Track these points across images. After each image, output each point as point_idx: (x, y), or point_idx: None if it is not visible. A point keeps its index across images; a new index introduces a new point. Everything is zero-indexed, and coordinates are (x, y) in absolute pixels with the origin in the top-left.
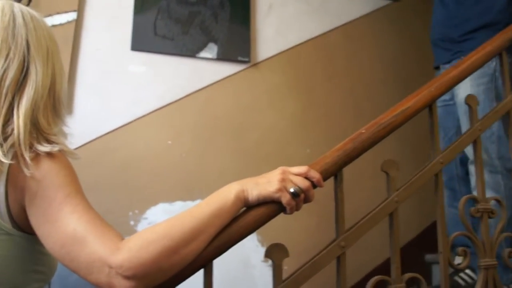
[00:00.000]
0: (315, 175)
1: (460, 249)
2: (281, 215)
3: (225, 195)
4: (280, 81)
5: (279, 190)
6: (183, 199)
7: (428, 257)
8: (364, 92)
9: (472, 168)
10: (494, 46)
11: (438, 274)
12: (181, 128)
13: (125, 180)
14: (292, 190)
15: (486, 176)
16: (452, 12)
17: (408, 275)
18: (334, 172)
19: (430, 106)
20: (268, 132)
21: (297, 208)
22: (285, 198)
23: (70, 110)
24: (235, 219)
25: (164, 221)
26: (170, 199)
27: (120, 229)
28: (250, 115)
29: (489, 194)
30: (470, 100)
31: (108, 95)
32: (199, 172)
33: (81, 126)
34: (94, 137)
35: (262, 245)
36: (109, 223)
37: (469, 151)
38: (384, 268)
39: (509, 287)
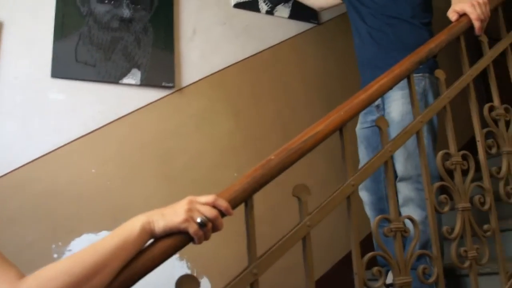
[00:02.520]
0: (223, 203)
1: (374, 269)
2: (213, 241)
3: (130, 228)
4: (206, 106)
5: (186, 220)
6: (108, 228)
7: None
8: (291, 114)
9: (399, 186)
10: (402, 69)
11: None
12: (105, 155)
13: (48, 211)
14: (199, 220)
15: (413, 193)
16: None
17: None
18: (243, 199)
19: (340, 129)
20: (196, 157)
21: (205, 237)
22: (192, 228)
23: None
24: (141, 251)
25: (66, 257)
26: (95, 229)
27: (44, 263)
28: (177, 141)
29: (415, 211)
30: (379, 122)
31: (28, 124)
32: (125, 200)
33: (0, 156)
34: (14, 167)
35: (193, 272)
36: (29, 257)
37: (398, 168)
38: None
39: None
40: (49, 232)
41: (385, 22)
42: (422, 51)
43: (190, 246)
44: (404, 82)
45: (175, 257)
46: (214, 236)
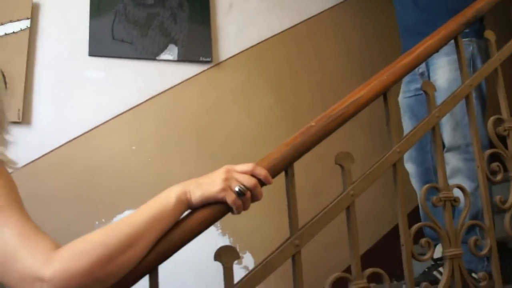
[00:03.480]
0: (262, 172)
1: (423, 240)
2: (255, 216)
3: (166, 198)
4: (245, 80)
5: (223, 189)
6: None
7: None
8: (331, 86)
9: (447, 156)
10: (448, 31)
11: (417, 267)
12: (145, 132)
13: (90, 189)
14: (237, 189)
15: (461, 164)
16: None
17: (369, 271)
18: (283, 168)
19: (384, 94)
20: (235, 132)
21: (244, 207)
22: (230, 198)
23: (28, 120)
24: (178, 223)
25: (100, 229)
26: (137, 205)
27: None
28: (216, 116)
29: (464, 183)
30: (426, 87)
31: (68, 103)
32: (166, 176)
33: (41, 136)
34: (55, 146)
35: (235, 246)
36: (72, 235)
37: (445, 138)
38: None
39: (477, 274)
40: (91, 209)
41: None
42: (469, 11)
43: (233, 221)
44: (450, 48)
45: (218, 232)
46: (256, 210)
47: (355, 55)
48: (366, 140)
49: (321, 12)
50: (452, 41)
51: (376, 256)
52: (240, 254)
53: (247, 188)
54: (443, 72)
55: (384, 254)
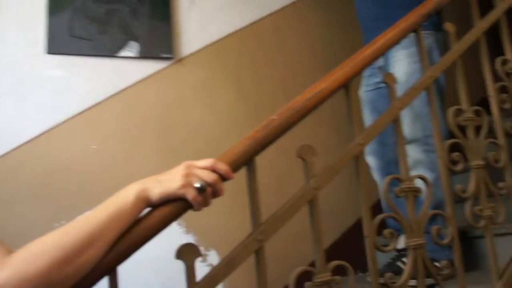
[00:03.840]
0: (222, 167)
1: (386, 231)
2: (220, 213)
3: (124, 196)
4: (207, 76)
5: (183, 186)
6: None
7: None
8: (294, 81)
9: (407, 149)
10: (409, 23)
11: (381, 258)
12: (105, 131)
13: (49, 190)
14: (197, 185)
15: (421, 155)
16: None
17: (333, 263)
18: (244, 162)
19: (346, 86)
20: (198, 129)
21: (205, 203)
22: (190, 194)
23: None
24: (138, 220)
25: (56, 230)
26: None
27: None
28: (178, 113)
29: (425, 173)
30: (387, 78)
31: (25, 102)
32: (127, 175)
33: None
34: (12, 147)
35: (200, 245)
36: (31, 237)
37: (405, 130)
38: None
39: (439, 263)
40: (51, 211)
41: None
42: (430, 3)
43: (197, 219)
44: (407, 41)
45: (181, 230)
46: (220, 207)
47: (319, 50)
48: (329, 133)
49: (284, 7)
50: (410, 34)
51: (341, 249)
52: (205, 252)
53: (208, 184)
54: (401, 65)
55: (349, 247)
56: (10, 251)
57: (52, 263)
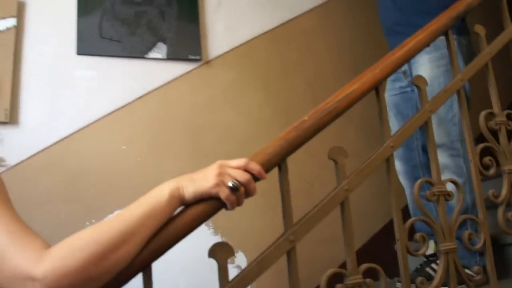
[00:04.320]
0: (255, 167)
1: (418, 235)
2: (248, 214)
3: (158, 195)
4: (235, 78)
5: (217, 185)
6: None
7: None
8: (322, 83)
9: None
10: (439, 25)
11: (411, 263)
12: (135, 131)
13: (80, 189)
14: (230, 184)
15: (448, 160)
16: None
17: (364, 266)
18: (277, 163)
19: (376, 88)
20: (226, 130)
21: (238, 203)
22: (224, 193)
23: (16, 121)
24: (171, 219)
25: (92, 226)
26: (127, 205)
27: None
28: (206, 114)
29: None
30: (417, 81)
31: (56, 103)
32: (157, 175)
33: (29, 137)
34: (43, 146)
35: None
36: (63, 236)
37: None
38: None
39: (470, 269)
40: (82, 209)
41: None
42: (460, 5)
43: (225, 220)
44: (431, 46)
45: (210, 231)
46: (248, 209)
47: (347, 52)
48: (357, 136)
49: (312, 9)
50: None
51: (369, 253)
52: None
53: (241, 183)
54: (425, 70)
55: (377, 251)
56: (47, 245)
57: (90, 258)
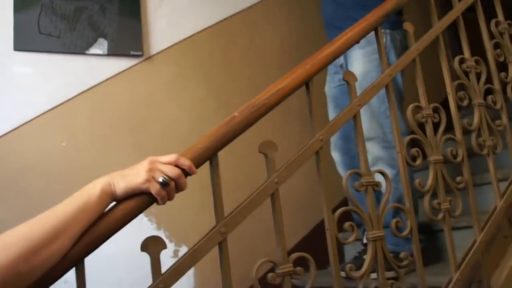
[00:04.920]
0: (185, 162)
1: (346, 224)
2: (190, 209)
3: (90, 190)
4: (178, 73)
5: (147, 180)
6: None
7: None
8: (265, 79)
9: (367, 145)
10: (369, 22)
11: (349, 253)
12: (75, 128)
13: (20, 188)
14: (160, 179)
15: (381, 152)
16: None
17: (295, 255)
18: (207, 158)
19: (307, 84)
20: (169, 125)
21: (169, 197)
22: (154, 189)
23: None
24: (103, 214)
25: (25, 223)
26: None
27: None
28: (148, 110)
29: (386, 170)
30: (347, 77)
31: None
32: (99, 171)
33: None
34: None
35: (171, 241)
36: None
37: (364, 128)
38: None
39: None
40: (22, 207)
41: None
42: (390, 3)
43: (167, 215)
44: (364, 41)
45: (153, 226)
46: (190, 203)
47: (289, 46)
48: (298, 129)
49: (254, 4)
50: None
51: (310, 244)
52: (176, 248)
53: (171, 179)
54: (358, 64)
55: (317, 242)
56: None
57: (20, 254)
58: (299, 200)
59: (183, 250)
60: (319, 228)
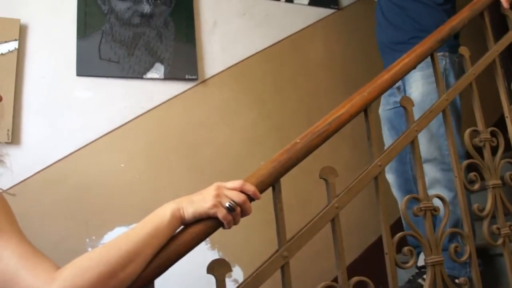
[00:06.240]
0: (250, 188)
1: (405, 248)
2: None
3: (161, 215)
4: (230, 96)
5: (214, 206)
6: (140, 221)
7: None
8: (314, 101)
9: (425, 167)
10: (425, 48)
11: (401, 275)
12: (133, 150)
13: (80, 206)
14: (227, 205)
15: (438, 174)
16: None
17: (355, 279)
18: (270, 183)
19: (365, 110)
20: (221, 148)
21: (235, 222)
22: (221, 213)
23: (18, 141)
24: (172, 238)
25: (99, 247)
26: (127, 222)
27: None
28: (202, 132)
29: (443, 193)
30: (404, 102)
31: (56, 123)
32: (155, 193)
33: (31, 156)
34: (45, 165)
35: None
36: (63, 252)
37: (421, 150)
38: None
39: (458, 279)
40: (82, 226)
41: (397, 4)
42: (444, 29)
43: (221, 236)
44: (423, 63)
45: (207, 247)
46: (244, 225)
47: (338, 70)
48: (350, 153)
49: (304, 28)
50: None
51: (363, 266)
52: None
53: (237, 204)
54: (417, 86)
55: (370, 264)
56: (57, 266)
57: (99, 278)
58: (351, 220)
59: (236, 270)
60: (371, 249)
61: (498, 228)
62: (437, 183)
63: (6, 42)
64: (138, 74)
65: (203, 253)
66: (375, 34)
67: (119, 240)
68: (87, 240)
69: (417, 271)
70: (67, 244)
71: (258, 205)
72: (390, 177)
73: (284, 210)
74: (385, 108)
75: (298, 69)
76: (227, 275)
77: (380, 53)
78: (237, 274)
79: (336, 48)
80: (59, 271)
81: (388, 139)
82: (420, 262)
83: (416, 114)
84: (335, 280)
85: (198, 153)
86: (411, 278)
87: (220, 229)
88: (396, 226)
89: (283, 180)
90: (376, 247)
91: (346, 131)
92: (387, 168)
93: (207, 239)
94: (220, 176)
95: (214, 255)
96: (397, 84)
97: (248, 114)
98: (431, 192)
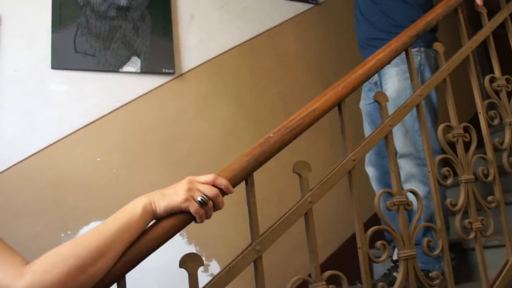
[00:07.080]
0: (222, 181)
1: (378, 243)
2: (221, 225)
3: (132, 209)
4: (207, 90)
5: (186, 200)
6: None
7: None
8: (292, 95)
9: (400, 162)
10: (399, 43)
11: (378, 269)
12: (109, 144)
13: (55, 201)
14: (199, 199)
15: (414, 169)
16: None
17: (328, 273)
18: (243, 177)
19: (339, 105)
20: (198, 142)
21: (207, 216)
22: (193, 208)
23: None
24: (144, 232)
25: (70, 241)
26: (103, 217)
27: None
28: (179, 126)
29: (418, 187)
30: (378, 97)
31: (31, 116)
32: (131, 187)
33: (5, 149)
34: (19, 159)
35: (201, 255)
36: (39, 247)
37: (397, 145)
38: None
39: (431, 273)
40: (57, 221)
41: (374, 0)
42: (419, 25)
43: (198, 230)
44: (398, 59)
45: (184, 241)
46: (221, 219)
47: (316, 64)
48: (327, 147)
49: (282, 22)
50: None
51: (339, 260)
52: (207, 262)
53: (209, 198)
54: (392, 82)
55: (347, 258)
56: (26, 261)
57: (68, 272)
58: (328, 215)
59: (213, 264)
60: (348, 244)
61: (470, 223)
62: (412, 178)
63: None
64: (114, 67)
65: (180, 248)
66: (354, 29)
67: (90, 234)
68: (63, 235)
69: (392, 264)
70: (43, 239)
71: (235, 199)
72: (370, 170)
73: (261, 204)
74: (365, 103)
75: (275, 63)
76: (204, 269)
77: (359, 48)
78: (215, 268)
79: (314, 43)
80: (28, 265)
81: (368, 133)
82: (395, 256)
83: (391, 110)
84: (310, 275)
85: (175, 147)
86: (387, 271)
87: (197, 224)
88: (375, 220)
89: (261, 174)
90: (353, 242)
91: (324, 126)
92: (367, 161)
93: (184, 233)
94: (197, 170)
95: (191, 249)
96: (374, 80)
97: (225, 108)
98: (407, 186)
